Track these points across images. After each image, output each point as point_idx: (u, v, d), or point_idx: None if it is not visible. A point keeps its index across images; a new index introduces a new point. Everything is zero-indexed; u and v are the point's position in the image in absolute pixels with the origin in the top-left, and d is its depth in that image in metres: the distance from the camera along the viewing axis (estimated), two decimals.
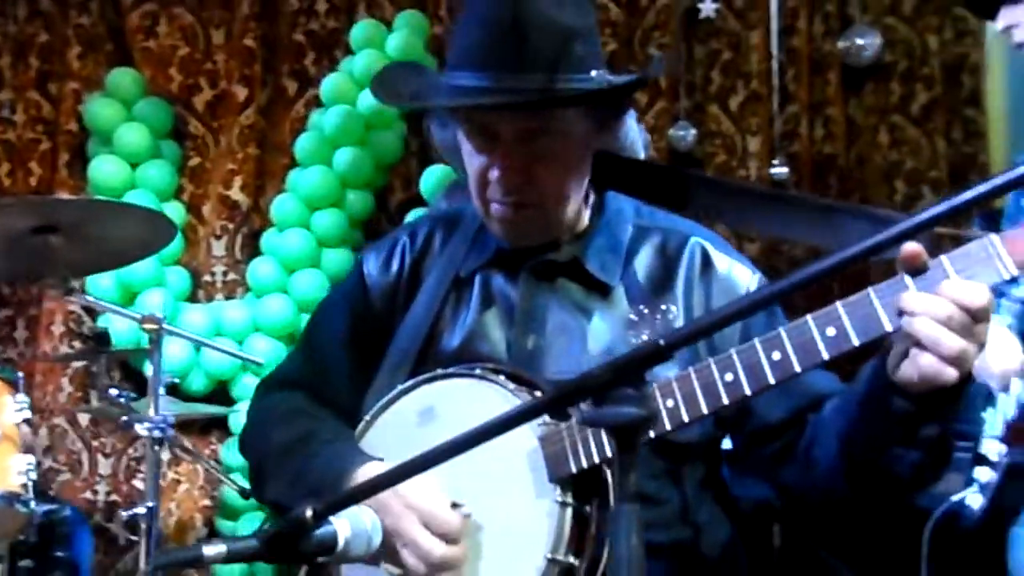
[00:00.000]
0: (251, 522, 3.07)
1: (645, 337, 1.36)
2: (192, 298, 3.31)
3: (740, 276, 1.40)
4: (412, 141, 3.43)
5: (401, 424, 1.35)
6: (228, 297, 3.34)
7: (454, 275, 1.46)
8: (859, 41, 3.56)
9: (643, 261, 1.41)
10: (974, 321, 1.01)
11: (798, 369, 1.08)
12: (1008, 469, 1.82)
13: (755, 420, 1.33)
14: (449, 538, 1.21)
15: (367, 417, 1.38)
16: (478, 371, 1.31)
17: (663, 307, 1.37)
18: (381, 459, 1.29)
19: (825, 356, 1.06)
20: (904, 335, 1.04)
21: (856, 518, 2.25)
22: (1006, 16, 1.79)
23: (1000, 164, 3.62)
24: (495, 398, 1.27)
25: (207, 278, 3.37)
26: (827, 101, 3.56)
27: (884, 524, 2.31)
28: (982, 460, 1.90)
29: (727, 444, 1.44)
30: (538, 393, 1.28)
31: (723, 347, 1.29)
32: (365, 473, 1.26)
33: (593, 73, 1.33)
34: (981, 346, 1.03)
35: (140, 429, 2.01)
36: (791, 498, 1.36)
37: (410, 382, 1.36)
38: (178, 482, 3.30)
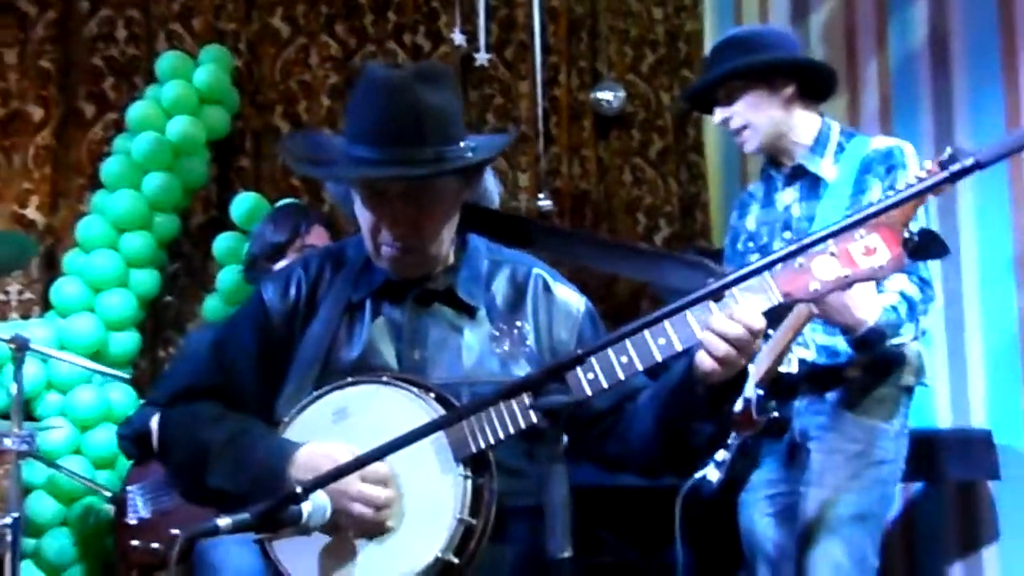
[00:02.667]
0: (57, 538, 3.10)
1: (506, 348, 1.75)
2: None
3: (572, 300, 1.82)
4: (213, 167, 3.61)
5: (318, 423, 1.63)
6: (24, 316, 3.34)
7: (346, 301, 1.77)
8: (607, 94, 4.19)
9: (499, 288, 1.79)
10: (751, 335, 1.48)
11: (640, 368, 1.51)
12: (738, 449, 2.38)
13: (587, 409, 1.75)
14: (384, 483, 1.53)
15: (285, 419, 1.66)
16: (384, 378, 1.64)
17: (518, 324, 1.76)
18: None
19: (659, 358, 1.49)
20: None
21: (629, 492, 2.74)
22: (720, 112, 2.37)
23: (717, 202, 4.38)
24: (401, 399, 1.60)
25: (1, 297, 3.34)
26: (582, 144, 4.15)
27: (645, 497, 2.83)
28: None
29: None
30: (432, 395, 1.62)
31: (564, 354, 1.72)
32: (304, 456, 1.54)
33: (462, 144, 1.70)
34: (748, 354, 1.50)
35: (8, 443, 2.11)
36: (613, 466, 1.79)
37: (324, 388, 1.65)
38: None
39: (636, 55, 4.25)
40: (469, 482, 1.54)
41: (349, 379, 1.66)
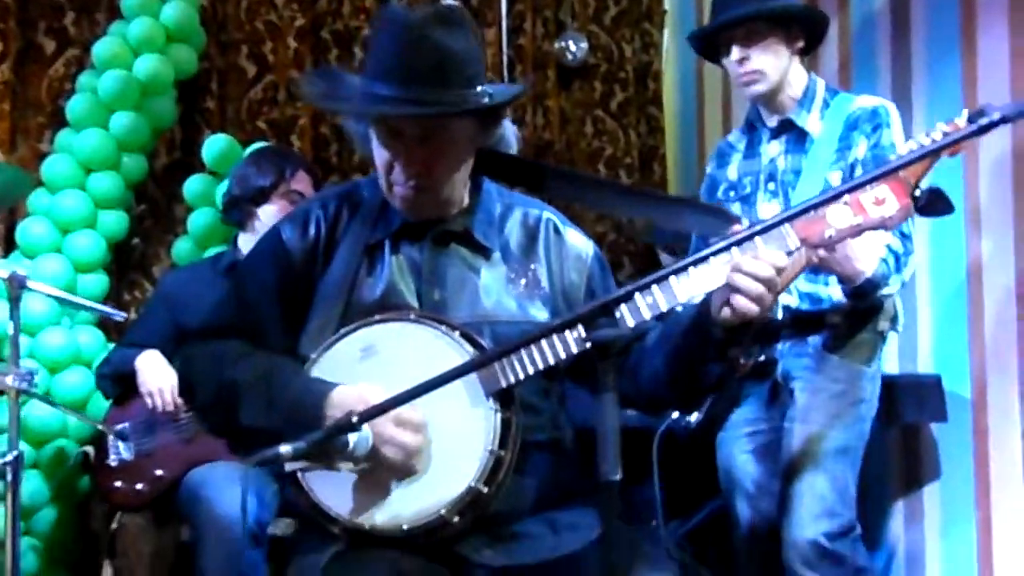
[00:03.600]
0: (29, 480, 3.07)
1: (522, 289, 1.81)
2: None
3: (581, 243, 1.88)
4: (178, 108, 3.54)
5: (345, 359, 1.68)
6: None
7: (365, 241, 1.80)
8: (570, 44, 4.22)
9: (512, 231, 1.85)
10: (777, 274, 1.56)
11: (664, 309, 1.57)
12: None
13: None
14: (417, 429, 1.59)
15: (313, 356, 1.70)
16: (412, 317, 1.69)
17: (531, 266, 1.83)
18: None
19: (682, 299, 1.57)
20: (728, 284, 1.57)
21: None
22: (739, 51, 2.40)
23: (674, 155, 4.48)
24: (428, 336, 1.66)
25: None
26: (546, 94, 4.18)
27: (624, 436, 2.94)
28: None
29: None
30: (457, 333, 1.67)
31: (575, 297, 1.80)
32: (338, 396, 1.58)
33: (479, 88, 1.74)
34: (776, 294, 1.60)
35: (9, 380, 2.09)
36: (620, 402, 1.87)
37: (350, 326, 1.70)
38: None
39: (599, 6, 4.29)
40: (498, 416, 1.61)
41: (376, 317, 1.70)
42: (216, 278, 2.84)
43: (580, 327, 1.36)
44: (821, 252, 2.09)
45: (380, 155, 1.75)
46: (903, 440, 3.30)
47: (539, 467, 1.73)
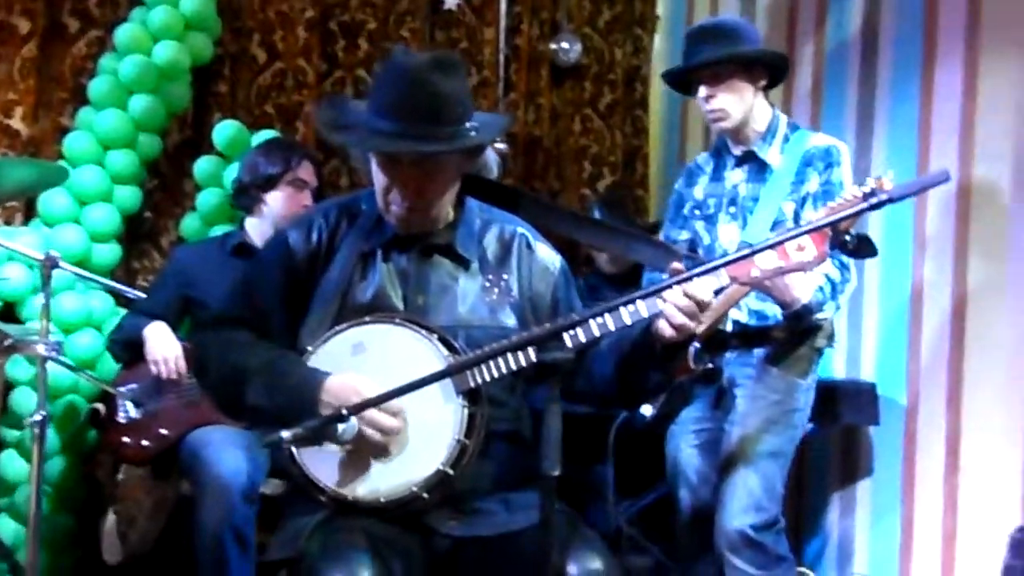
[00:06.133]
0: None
1: (495, 297, 2.08)
2: None
3: (549, 257, 2.14)
4: (191, 89, 3.77)
5: (338, 354, 1.94)
6: (7, 222, 3.50)
7: (360, 250, 2.07)
8: (564, 45, 4.45)
9: (490, 244, 2.10)
10: (699, 308, 1.83)
11: (612, 328, 1.85)
12: (672, 390, 2.78)
13: None
14: (395, 413, 1.84)
15: (309, 348, 1.97)
16: (397, 320, 1.96)
17: (504, 277, 2.09)
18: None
19: (628, 322, 1.84)
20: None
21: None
22: (705, 90, 2.66)
23: (656, 156, 4.73)
24: (410, 338, 1.93)
25: None
26: (539, 92, 4.41)
27: (583, 423, 3.24)
28: None
29: None
30: (435, 336, 1.94)
31: (541, 305, 2.07)
32: (334, 384, 1.85)
33: (468, 124, 1.99)
34: (699, 323, 1.86)
35: (40, 349, 2.36)
36: (575, 398, 2.13)
37: (343, 325, 1.96)
38: None
39: (594, 10, 4.50)
40: (466, 410, 1.89)
41: (366, 318, 1.97)
42: (224, 258, 3.10)
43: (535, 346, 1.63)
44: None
45: (378, 178, 2.00)
46: (843, 439, 3.60)
47: (500, 453, 2.01)
